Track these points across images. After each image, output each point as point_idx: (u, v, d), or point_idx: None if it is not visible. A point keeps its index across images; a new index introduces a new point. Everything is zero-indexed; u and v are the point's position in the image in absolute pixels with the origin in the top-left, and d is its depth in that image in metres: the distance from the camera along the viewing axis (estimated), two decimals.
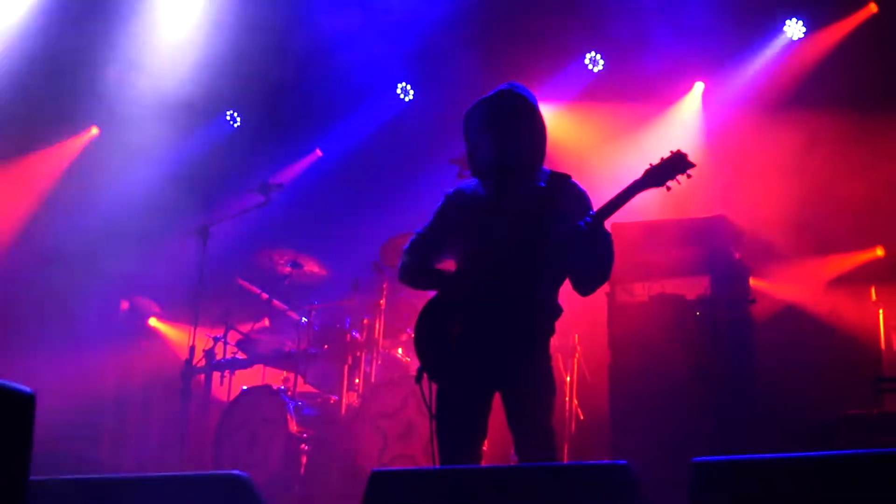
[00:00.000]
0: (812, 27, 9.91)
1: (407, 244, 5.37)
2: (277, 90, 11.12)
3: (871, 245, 9.25)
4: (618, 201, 4.88)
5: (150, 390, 10.70)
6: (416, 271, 5.34)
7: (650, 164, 4.90)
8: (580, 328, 8.83)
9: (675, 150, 4.93)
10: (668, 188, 4.89)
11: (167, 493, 4.08)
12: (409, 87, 11.32)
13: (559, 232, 4.93)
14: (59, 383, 9.17)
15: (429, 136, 10.69)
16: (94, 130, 11.59)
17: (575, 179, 5.23)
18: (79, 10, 10.13)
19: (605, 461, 3.64)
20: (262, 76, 10.95)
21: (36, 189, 11.12)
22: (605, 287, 7.29)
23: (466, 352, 4.94)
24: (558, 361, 8.68)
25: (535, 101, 5.23)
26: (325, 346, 8.73)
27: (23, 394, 2.98)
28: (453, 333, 5.00)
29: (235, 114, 11.84)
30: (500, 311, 4.92)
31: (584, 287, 5.08)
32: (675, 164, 4.88)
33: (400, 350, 8.85)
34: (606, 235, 4.98)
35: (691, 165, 4.88)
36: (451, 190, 5.38)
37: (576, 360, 8.92)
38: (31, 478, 2.99)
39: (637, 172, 4.92)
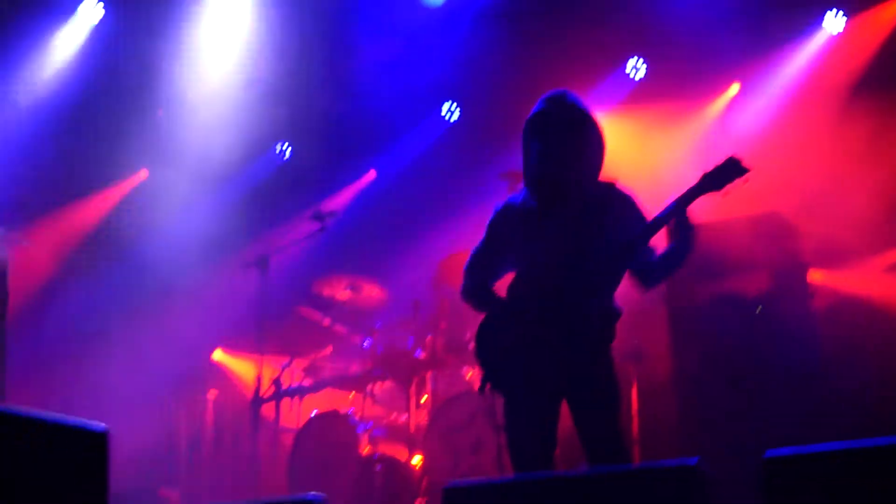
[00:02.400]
0: (853, 16, 9.80)
1: (466, 264, 5.44)
2: (325, 117, 11.20)
3: None
4: (675, 207, 4.90)
5: (220, 422, 10.80)
6: (475, 297, 5.41)
7: (704, 171, 4.93)
8: (641, 331, 8.82)
9: (729, 155, 4.94)
10: (725, 193, 4.91)
11: None
12: (454, 106, 11.36)
13: (618, 236, 4.98)
14: (133, 423, 9.28)
15: (478, 153, 10.75)
16: (144, 173, 11.71)
17: (620, 185, 5.27)
18: (125, 52, 10.26)
19: (675, 461, 3.65)
20: (309, 105, 11.05)
21: (84, 233, 11.22)
22: (664, 290, 7.33)
23: (529, 361, 4.99)
24: (621, 365, 8.67)
25: (588, 110, 5.22)
26: (390, 367, 8.77)
27: (97, 431, 3.07)
28: (515, 343, 5.04)
29: (286, 145, 11.92)
30: (559, 319, 4.96)
31: (652, 282, 5.14)
32: (730, 170, 4.89)
33: (464, 366, 8.88)
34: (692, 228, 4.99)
35: (746, 171, 4.88)
36: (501, 203, 5.43)
37: (638, 363, 8.91)
38: None
39: (687, 176, 4.95)
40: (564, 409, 5.11)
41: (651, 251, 5.07)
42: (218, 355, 11.30)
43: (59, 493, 2.87)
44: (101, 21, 9.88)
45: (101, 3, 9.83)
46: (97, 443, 3.05)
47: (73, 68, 10.08)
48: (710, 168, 4.91)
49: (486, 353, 5.19)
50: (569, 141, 5.13)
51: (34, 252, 9.97)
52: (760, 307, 7.44)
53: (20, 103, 9.85)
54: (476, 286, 5.40)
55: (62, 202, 10.98)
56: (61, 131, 10.13)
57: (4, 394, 5.46)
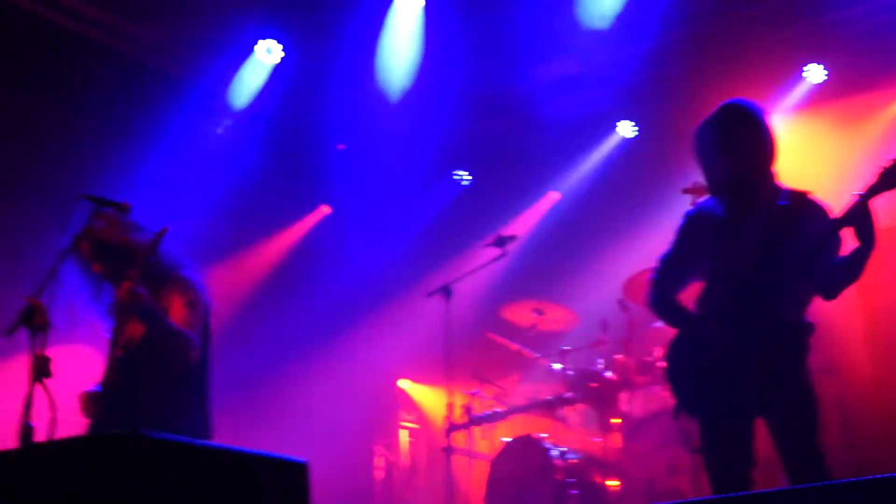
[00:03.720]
0: None
1: (653, 272, 5.42)
2: (502, 142, 11.26)
3: None
4: (857, 206, 4.79)
5: (414, 451, 10.92)
6: (661, 306, 5.39)
7: (882, 167, 4.80)
8: (833, 344, 8.60)
9: None
10: None
11: None
12: (632, 123, 11.28)
13: (804, 245, 4.89)
14: (330, 454, 9.46)
15: (658, 169, 10.63)
16: (326, 209, 11.95)
17: (813, 195, 5.19)
18: (304, 90, 10.51)
19: (882, 475, 3.55)
20: (484, 131, 11.12)
21: (272, 267, 11.48)
22: (858, 301, 7.15)
23: (724, 378, 4.92)
24: (817, 379, 8.45)
25: (762, 113, 5.18)
26: (581, 390, 8.72)
27: (298, 464, 3.16)
28: (706, 363, 4.98)
29: (465, 172, 12.01)
30: (752, 335, 4.88)
31: (837, 287, 5.00)
32: None
33: (656, 385, 8.78)
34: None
35: None
36: (692, 210, 5.41)
37: (831, 376, 8.67)
38: None
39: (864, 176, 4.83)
40: (761, 426, 5.02)
41: (834, 255, 4.97)
42: (403, 384, 11.44)
43: None
44: (281, 61, 10.12)
45: (281, 46, 10.06)
46: (299, 475, 3.14)
47: (255, 108, 10.36)
48: (888, 164, 4.78)
49: (679, 375, 5.14)
50: (752, 147, 5.12)
51: (227, 287, 10.29)
52: None
53: (207, 143, 10.17)
54: (663, 295, 5.38)
55: (250, 238, 11.28)
56: (247, 170, 10.42)
57: (212, 429, 5.60)
